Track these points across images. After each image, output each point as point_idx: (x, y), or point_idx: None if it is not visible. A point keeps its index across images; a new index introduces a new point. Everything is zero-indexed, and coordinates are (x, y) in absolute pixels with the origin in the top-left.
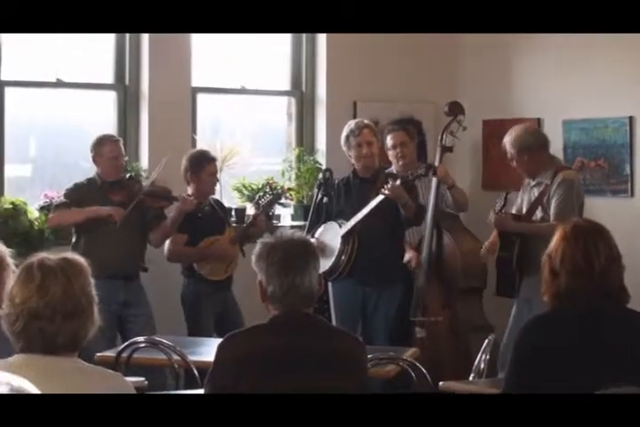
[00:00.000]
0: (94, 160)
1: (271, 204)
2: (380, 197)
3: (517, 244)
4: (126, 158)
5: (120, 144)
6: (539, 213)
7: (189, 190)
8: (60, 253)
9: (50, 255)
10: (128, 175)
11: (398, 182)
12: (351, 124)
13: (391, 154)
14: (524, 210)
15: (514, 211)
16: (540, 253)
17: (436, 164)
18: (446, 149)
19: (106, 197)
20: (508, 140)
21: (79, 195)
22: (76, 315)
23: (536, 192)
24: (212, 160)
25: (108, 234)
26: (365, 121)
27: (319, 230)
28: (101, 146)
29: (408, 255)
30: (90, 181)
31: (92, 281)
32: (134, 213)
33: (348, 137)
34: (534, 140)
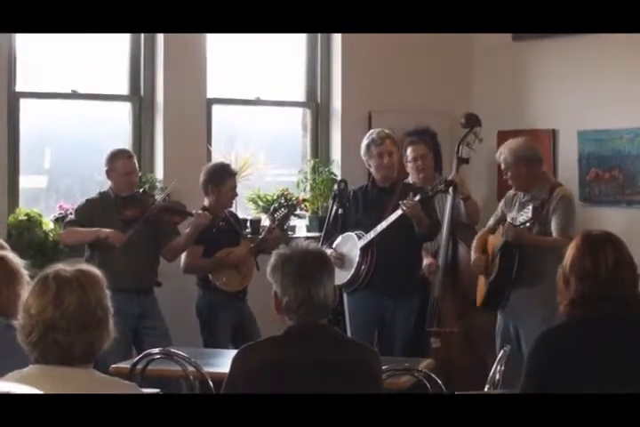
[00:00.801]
0: (108, 175)
1: (286, 217)
2: (399, 213)
3: (517, 257)
4: (140, 173)
5: (134, 160)
6: (535, 228)
7: (206, 202)
8: (75, 264)
9: (65, 267)
10: (142, 190)
11: (417, 199)
12: (373, 133)
13: (411, 166)
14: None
15: (491, 222)
16: (539, 265)
17: (452, 175)
18: (463, 161)
19: (119, 211)
20: (505, 150)
21: (90, 211)
22: (92, 326)
23: (530, 213)
24: (234, 175)
25: (122, 249)
26: (387, 131)
27: (337, 241)
28: (115, 161)
29: (427, 261)
30: (103, 195)
31: (108, 293)
32: (147, 228)
33: (369, 146)
34: (532, 153)
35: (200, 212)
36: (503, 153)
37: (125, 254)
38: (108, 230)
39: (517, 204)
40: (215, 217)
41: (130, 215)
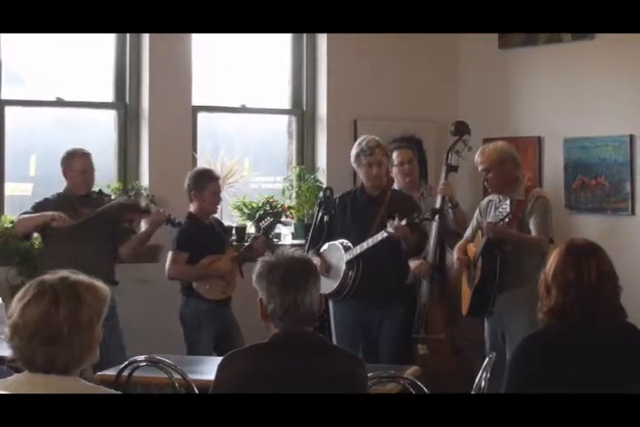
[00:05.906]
0: (64, 174)
1: (271, 226)
2: (385, 234)
3: (499, 259)
4: (95, 173)
5: (90, 158)
6: (513, 229)
7: (192, 208)
8: (65, 273)
9: (71, 275)
10: (98, 189)
11: (403, 223)
12: (363, 142)
13: (397, 170)
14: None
15: (468, 233)
16: (521, 269)
17: (441, 182)
18: (451, 169)
19: (75, 210)
20: (488, 150)
21: (45, 208)
22: (55, 341)
23: (508, 208)
24: (216, 179)
25: (76, 247)
26: (377, 139)
27: (324, 248)
28: (70, 159)
29: (416, 262)
30: (60, 195)
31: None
32: (103, 225)
33: (358, 155)
34: (515, 154)
35: (157, 209)
36: (486, 153)
37: (80, 254)
38: (53, 212)
39: (493, 209)
40: (169, 217)
41: (86, 213)
